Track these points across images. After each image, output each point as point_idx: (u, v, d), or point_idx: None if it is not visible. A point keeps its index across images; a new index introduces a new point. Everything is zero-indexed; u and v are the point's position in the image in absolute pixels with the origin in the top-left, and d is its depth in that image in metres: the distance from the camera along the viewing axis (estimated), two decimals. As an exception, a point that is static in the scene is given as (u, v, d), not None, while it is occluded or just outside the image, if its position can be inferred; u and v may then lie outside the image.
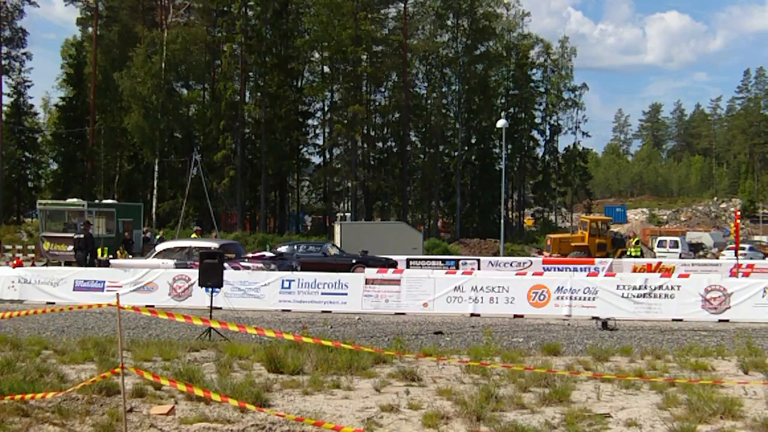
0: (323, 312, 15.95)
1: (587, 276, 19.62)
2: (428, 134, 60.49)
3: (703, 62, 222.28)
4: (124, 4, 57.43)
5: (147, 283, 17.14)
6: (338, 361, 8.56)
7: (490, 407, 6.90)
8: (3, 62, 52.09)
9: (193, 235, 27.28)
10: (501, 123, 35.54)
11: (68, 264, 23.88)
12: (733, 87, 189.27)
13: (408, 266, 25.78)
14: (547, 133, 67.61)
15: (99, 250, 23.58)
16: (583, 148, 71.85)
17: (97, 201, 36.73)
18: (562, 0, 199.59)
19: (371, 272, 17.61)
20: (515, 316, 15.46)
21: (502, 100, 63.35)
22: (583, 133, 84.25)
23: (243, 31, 49.26)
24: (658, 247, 44.72)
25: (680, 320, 14.88)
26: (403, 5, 57.31)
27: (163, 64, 48.98)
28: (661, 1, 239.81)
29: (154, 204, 49.42)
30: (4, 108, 52.75)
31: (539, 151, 67.84)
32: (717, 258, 42.38)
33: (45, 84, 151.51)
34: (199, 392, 6.60)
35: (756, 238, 66.93)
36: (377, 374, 8.41)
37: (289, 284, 16.73)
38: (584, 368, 8.97)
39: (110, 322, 13.90)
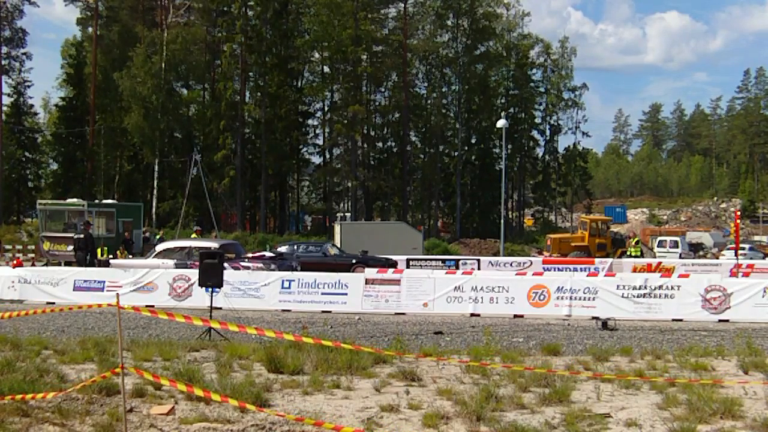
0: (323, 312, 15.95)
1: (587, 276, 19.62)
2: (428, 134, 60.48)
3: (703, 62, 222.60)
4: (124, 4, 57.42)
5: (147, 283, 17.14)
6: (338, 361, 8.56)
7: (490, 407, 6.90)
8: (3, 62, 52.09)
9: (193, 235, 27.27)
10: (501, 123, 35.54)
11: (68, 264, 23.88)
12: (733, 87, 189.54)
13: (408, 266, 25.78)
14: (547, 133, 67.66)
15: (99, 250, 23.56)
16: (583, 148, 71.99)
17: (97, 201, 36.73)
18: (562, 0, 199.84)
19: (371, 272, 17.61)
20: (515, 316, 15.46)
21: (502, 100, 63.35)
22: (583, 133, 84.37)
23: (243, 31, 49.26)
24: (658, 247, 44.73)
25: (680, 320, 14.88)
26: (403, 5, 57.33)
27: (163, 64, 48.98)
28: (661, 1, 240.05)
29: (154, 204, 49.42)
30: (4, 108, 52.75)
31: (539, 151, 67.92)
32: (717, 258, 42.38)
33: (45, 84, 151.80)
34: (199, 392, 6.60)
35: (756, 238, 66.94)
36: (377, 374, 8.41)
37: (289, 284, 16.73)
38: (584, 368, 8.97)
39: (110, 322, 13.91)
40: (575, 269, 24.86)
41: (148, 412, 6.88)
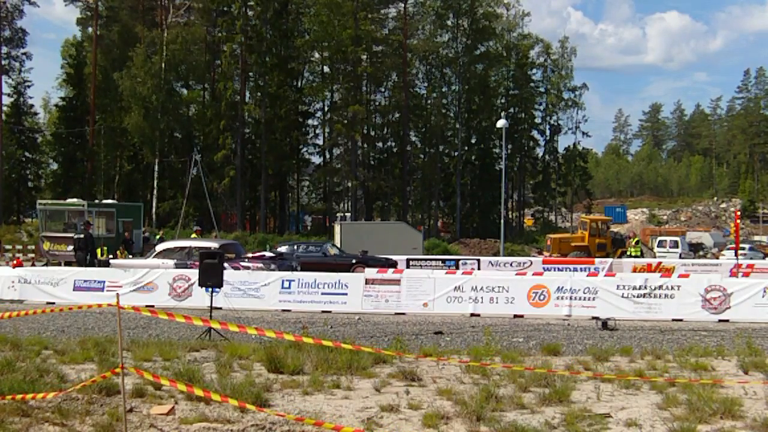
0: (323, 312, 15.95)
1: (587, 276, 19.62)
2: (428, 134, 60.48)
3: (703, 62, 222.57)
4: (124, 4, 57.43)
5: (147, 283, 17.14)
6: (338, 361, 8.56)
7: (490, 407, 6.90)
8: (3, 62, 52.08)
9: (193, 235, 27.26)
10: (501, 123, 35.53)
11: (68, 264, 23.87)
12: (733, 87, 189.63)
13: (408, 266, 25.78)
14: (547, 133, 67.66)
15: (98, 250, 23.56)
16: (583, 148, 72.03)
17: (97, 201, 36.73)
18: (562, 0, 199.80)
19: (371, 272, 17.61)
20: (515, 316, 15.46)
21: (502, 100, 63.36)
22: (583, 133, 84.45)
23: (243, 31, 49.25)
24: (658, 247, 44.73)
25: (680, 320, 14.87)
26: (403, 5, 57.33)
27: (163, 64, 48.99)
28: (661, 1, 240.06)
29: (154, 204, 49.43)
30: (4, 108, 52.75)
31: (539, 151, 67.93)
32: (717, 258, 42.39)
33: (45, 84, 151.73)
34: (199, 392, 6.60)
35: (756, 238, 66.94)
36: (377, 374, 8.42)
37: (289, 284, 16.73)
38: (584, 368, 8.97)
39: (110, 322, 13.91)
40: (575, 269, 24.86)
41: (148, 412, 6.88)
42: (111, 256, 23.68)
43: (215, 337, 11.43)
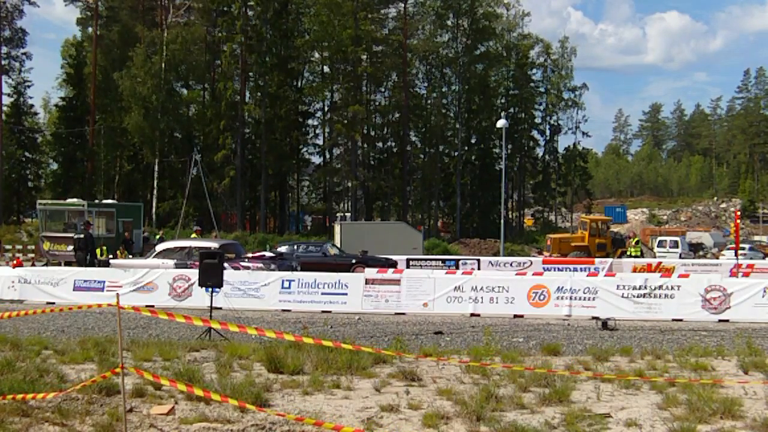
0: (323, 312, 15.95)
1: (587, 276, 19.63)
2: (428, 134, 60.50)
3: (703, 62, 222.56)
4: (124, 4, 57.42)
5: (147, 283, 17.14)
6: (338, 361, 8.56)
7: (490, 407, 6.90)
8: (3, 62, 52.08)
9: (193, 235, 27.27)
10: (501, 123, 35.53)
11: (68, 264, 23.88)
12: (733, 87, 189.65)
13: (408, 266, 25.78)
14: (547, 133, 67.71)
15: (98, 250, 23.56)
16: (583, 148, 72.06)
17: (97, 201, 36.72)
18: (562, 0, 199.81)
19: (371, 272, 17.62)
20: (515, 316, 15.46)
21: (502, 100, 63.38)
22: (583, 133, 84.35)
23: (243, 31, 49.25)
24: (658, 247, 44.74)
25: (680, 320, 14.87)
26: (403, 5, 57.34)
27: (163, 64, 48.98)
28: (661, 1, 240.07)
29: (154, 204, 49.43)
30: (4, 108, 52.74)
31: (539, 151, 67.99)
32: (717, 258, 42.39)
33: (45, 84, 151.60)
34: (199, 392, 6.60)
35: (756, 238, 66.96)
36: (377, 374, 8.42)
37: (289, 284, 16.73)
38: (584, 368, 8.97)
39: (110, 322, 13.90)
40: (575, 269, 24.86)
41: (148, 412, 6.88)
42: (111, 256, 23.68)
43: (215, 337, 11.44)
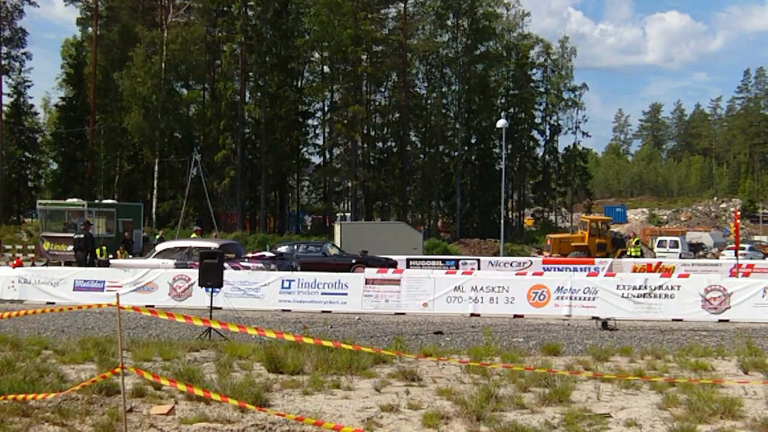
0: (323, 312, 15.95)
1: (587, 276, 19.62)
2: (428, 134, 60.51)
3: (703, 62, 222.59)
4: (124, 4, 57.41)
5: (147, 283, 17.14)
6: (338, 361, 8.56)
7: (490, 407, 6.90)
8: (3, 62, 52.07)
9: (193, 235, 27.26)
10: (501, 123, 35.53)
11: (68, 264, 23.88)
12: (733, 87, 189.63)
13: (408, 266, 25.78)
14: (547, 133, 67.70)
15: (98, 250, 23.55)
16: (583, 148, 72.07)
17: (97, 201, 36.72)
18: (562, 0, 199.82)
19: (371, 272, 17.61)
20: (515, 316, 15.46)
21: (502, 100, 63.38)
22: (583, 133, 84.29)
23: (243, 31, 49.25)
24: (658, 247, 44.73)
25: (680, 320, 14.87)
26: (403, 5, 57.34)
27: (163, 64, 48.98)
28: (661, 1, 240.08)
29: (154, 204, 49.43)
30: (4, 108, 52.72)
31: (539, 151, 67.98)
32: (717, 258, 42.39)
33: (45, 84, 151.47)
34: (199, 392, 6.60)
35: (756, 238, 66.95)
36: (377, 374, 8.42)
37: (289, 284, 16.73)
38: (584, 368, 8.97)
39: (110, 322, 13.90)
40: (575, 269, 24.85)
41: (148, 412, 6.88)
42: (111, 256, 23.68)
43: (215, 337, 11.43)
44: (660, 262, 26.80)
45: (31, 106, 60.01)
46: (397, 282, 16.43)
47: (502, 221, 37.97)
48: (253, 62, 50.39)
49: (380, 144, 61.38)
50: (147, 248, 27.07)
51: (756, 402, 7.37)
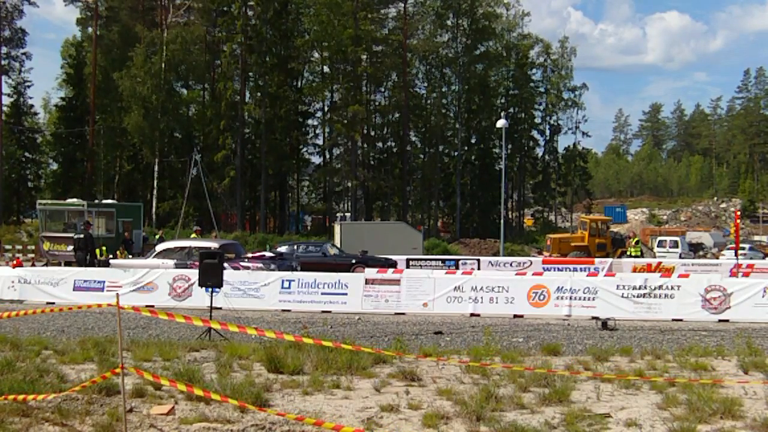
0: (323, 312, 15.95)
1: (587, 276, 19.63)
2: (428, 134, 60.51)
3: (703, 62, 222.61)
4: (124, 4, 57.38)
5: (147, 283, 17.14)
6: (338, 361, 8.56)
7: (490, 407, 6.91)
8: (3, 62, 52.07)
9: (193, 235, 27.27)
10: (501, 123, 35.51)
11: (68, 264, 23.86)
12: (733, 87, 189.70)
13: (408, 266, 25.77)
14: (547, 133, 67.70)
15: (98, 250, 23.54)
16: (583, 148, 72.06)
17: (97, 201, 36.69)
18: (562, 0, 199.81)
19: (371, 272, 17.62)
20: (515, 316, 15.46)
21: (502, 100, 63.37)
22: (583, 133, 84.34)
23: (243, 31, 49.25)
24: (658, 247, 44.71)
25: (680, 320, 14.87)
26: (403, 5, 57.33)
27: (163, 64, 48.98)
28: (661, 1, 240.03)
29: (154, 204, 49.42)
30: (4, 108, 52.73)
31: (539, 151, 67.99)
32: (717, 258, 42.38)
33: (45, 84, 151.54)
34: (199, 392, 6.60)
35: (756, 238, 66.96)
36: (377, 374, 8.42)
37: (289, 284, 16.73)
38: (584, 368, 8.97)
39: (110, 322, 13.91)
40: (575, 269, 24.85)
41: (148, 412, 6.88)
42: (111, 256, 23.67)
43: (215, 337, 11.44)
44: (660, 262, 26.79)
45: (31, 106, 60.15)
46: (397, 282, 16.43)
47: (502, 221, 37.98)
48: (253, 62, 50.38)
49: (380, 144, 61.40)
50: (147, 248, 27.06)
51: (756, 402, 7.37)
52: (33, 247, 33.88)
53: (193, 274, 15.65)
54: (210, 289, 12.79)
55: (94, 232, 26.35)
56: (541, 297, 15.70)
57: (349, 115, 50.69)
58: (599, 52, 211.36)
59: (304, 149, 59.66)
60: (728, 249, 41.93)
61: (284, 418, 6.53)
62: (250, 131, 53.80)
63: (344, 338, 11.25)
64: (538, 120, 66.68)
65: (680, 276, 17.22)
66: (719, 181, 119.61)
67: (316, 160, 61.63)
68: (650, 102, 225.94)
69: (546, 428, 6.50)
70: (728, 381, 7.98)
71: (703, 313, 15.05)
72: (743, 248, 40.90)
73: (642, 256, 29.44)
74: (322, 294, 16.54)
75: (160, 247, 20.23)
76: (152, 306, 14.55)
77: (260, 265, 18.64)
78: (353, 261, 23.92)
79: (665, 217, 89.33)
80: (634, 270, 24.47)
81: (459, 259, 28.35)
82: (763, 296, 14.92)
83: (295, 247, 25.37)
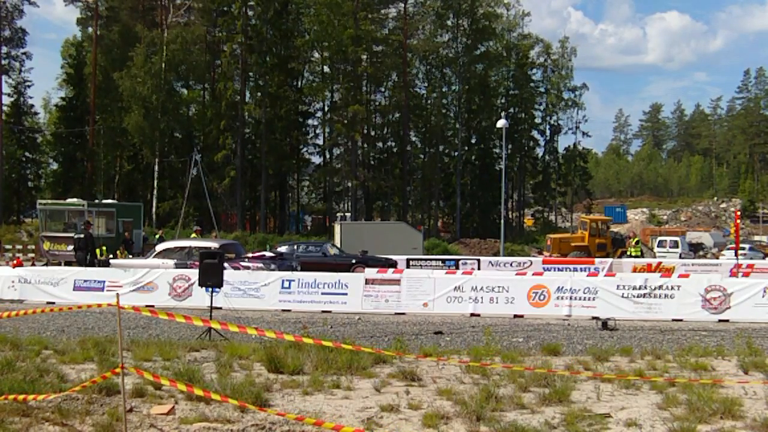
0: (323, 312, 15.95)
1: (587, 276, 19.62)
2: (428, 134, 60.52)
3: (703, 62, 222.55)
4: (124, 4, 57.39)
5: (147, 283, 17.14)
6: (338, 361, 8.56)
7: (490, 407, 6.91)
8: (3, 62, 52.07)
9: (193, 235, 27.27)
10: (501, 123, 35.51)
11: (68, 264, 23.86)
12: (733, 87, 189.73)
13: (408, 266, 25.76)
14: (547, 133, 67.73)
15: (98, 250, 23.53)
16: (583, 148, 72.13)
17: (97, 201, 36.68)
18: (562, 0, 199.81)
19: (371, 272, 17.62)
20: (515, 316, 15.46)
21: (502, 100, 63.39)
22: (583, 133, 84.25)
23: (243, 31, 49.27)
24: (658, 247, 44.70)
25: (680, 320, 14.87)
26: (403, 5, 57.35)
27: (163, 64, 48.99)
28: (661, 1, 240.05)
29: (154, 204, 49.43)
30: (4, 108, 52.73)
31: (539, 151, 68.01)
32: (717, 258, 42.37)
33: (45, 84, 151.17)
34: (199, 392, 6.60)
35: (756, 238, 66.94)
36: (377, 374, 8.42)
37: (289, 284, 16.73)
38: (584, 368, 8.97)
39: (110, 322, 13.91)
40: (575, 269, 24.85)
41: (148, 412, 6.88)
42: (111, 256, 23.67)
43: (215, 337, 11.44)
44: (660, 262, 26.79)
45: (31, 106, 60.12)
46: (397, 282, 16.43)
47: (502, 221, 37.98)
48: (253, 62, 50.40)
49: (380, 144, 61.39)
50: (147, 248, 27.06)
51: (756, 402, 7.37)
52: (33, 247, 33.89)
53: (193, 274, 15.65)
54: (210, 289, 12.79)
55: (95, 231, 26.31)
56: (542, 297, 15.70)
57: (349, 115, 50.69)
58: (599, 52, 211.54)
59: (304, 149, 59.72)
60: (728, 249, 41.91)
61: (284, 418, 6.53)
62: (250, 131, 53.81)
63: (344, 338, 11.25)
64: (538, 120, 66.71)
65: (680, 276, 17.22)
66: (719, 181, 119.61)
67: (316, 160, 61.75)
68: (650, 102, 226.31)
69: (546, 428, 6.50)
70: (728, 381, 7.98)
71: (703, 313, 15.05)
72: (743, 248, 40.90)
73: (642, 256, 29.43)
74: (322, 294, 16.54)
75: (160, 247, 20.24)
76: (152, 306, 14.54)
77: (260, 265, 18.64)
78: (353, 261, 23.92)
79: (665, 217, 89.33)
80: (634, 270, 24.46)
81: (459, 259, 28.34)
82: (763, 296, 14.92)
83: (295, 247, 25.37)
